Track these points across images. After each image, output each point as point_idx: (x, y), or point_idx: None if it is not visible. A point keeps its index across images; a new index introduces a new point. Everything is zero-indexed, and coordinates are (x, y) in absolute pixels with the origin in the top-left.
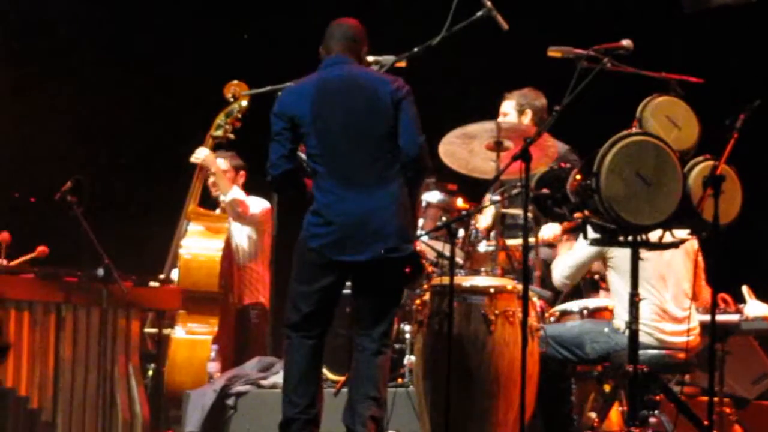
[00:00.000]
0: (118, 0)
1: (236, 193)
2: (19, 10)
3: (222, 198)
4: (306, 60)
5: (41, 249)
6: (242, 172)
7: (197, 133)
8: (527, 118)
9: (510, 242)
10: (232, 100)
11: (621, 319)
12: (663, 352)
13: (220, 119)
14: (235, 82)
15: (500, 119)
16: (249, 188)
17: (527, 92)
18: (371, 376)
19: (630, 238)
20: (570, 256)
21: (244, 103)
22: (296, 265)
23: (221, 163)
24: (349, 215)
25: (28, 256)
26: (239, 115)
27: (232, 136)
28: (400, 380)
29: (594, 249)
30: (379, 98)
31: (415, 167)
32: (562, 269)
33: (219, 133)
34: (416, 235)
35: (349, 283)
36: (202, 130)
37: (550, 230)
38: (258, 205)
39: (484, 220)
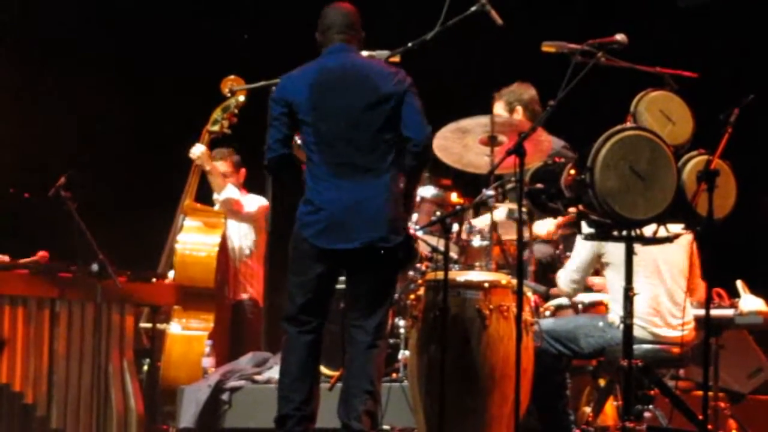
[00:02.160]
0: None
1: (229, 192)
2: (20, 10)
3: (216, 197)
4: (304, 57)
5: (42, 254)
6: (242, 170)
7: (194, 128)
8: (518, 115)
9: (504, 237)
10: (228, 95)
11: (615, 313)
12: (657, 346)
13: (217, 114)
14: (232, 77)
15: None
16: (244, 183)
17: (515, 88)
18: (366, 370)
19: (624, 232)
20: (571, 261)
21: (241, 98)
22: (291, 256)
23: (221, 166)
24: (340, 202)
25: (30, 259)
26: (236, 110)
27: (228, 131)
28: (394, 375)
29: (591, 246)
30: (379, 89)
31: (421, 157)
32: (567, 275)
33: (216, 128)
34: (408, 225)
35: (342, 278)
36: (199, 125)
37: (544, 226)
38: (254, 202)
39: (483, 221)
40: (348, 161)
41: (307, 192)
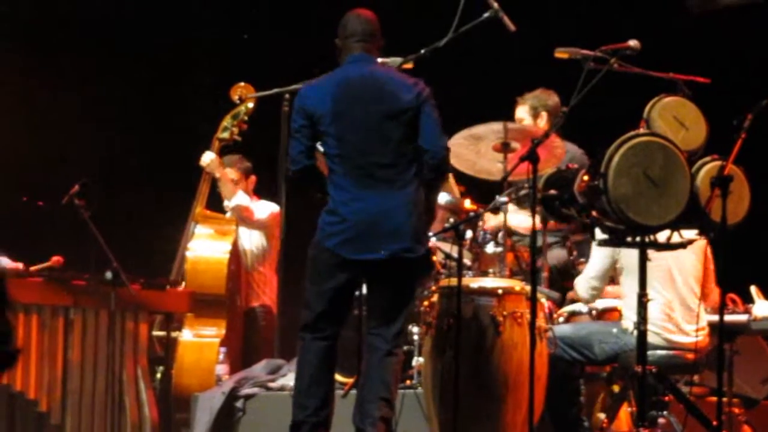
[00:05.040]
0: (123, 3)
1: (239, 198)
2: (25, 14)
3: (226, 203)
4: (311, 63)
5: (56, 259)
6: (252, 177)
7: (204, 135)
8: (543, 121)
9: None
10: (238, 102)
11: (629, 319)
12: (672, 352)
13: (227, 121)
14: (242, 84)
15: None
16: (255, 190)
17: (539, 94)
18: (383, 376)
19: (638, 238)
20: (589, 268)
21: (251, 105)
22: (310, 265)
23: (230, 173)
24: (365, 213)
25: (44, 265)
26: (245, 118)
27: (238, 138)
28: (408, 382)
29: (609, 252)
30: (399, 101)
31: (438, 170)
32: (586, 282)
33: (225, 135)
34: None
35: None
36: (209, 132)
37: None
38: (265, 209)
39: (494, 220)
40: (371, 172)
41: (330, 202)
